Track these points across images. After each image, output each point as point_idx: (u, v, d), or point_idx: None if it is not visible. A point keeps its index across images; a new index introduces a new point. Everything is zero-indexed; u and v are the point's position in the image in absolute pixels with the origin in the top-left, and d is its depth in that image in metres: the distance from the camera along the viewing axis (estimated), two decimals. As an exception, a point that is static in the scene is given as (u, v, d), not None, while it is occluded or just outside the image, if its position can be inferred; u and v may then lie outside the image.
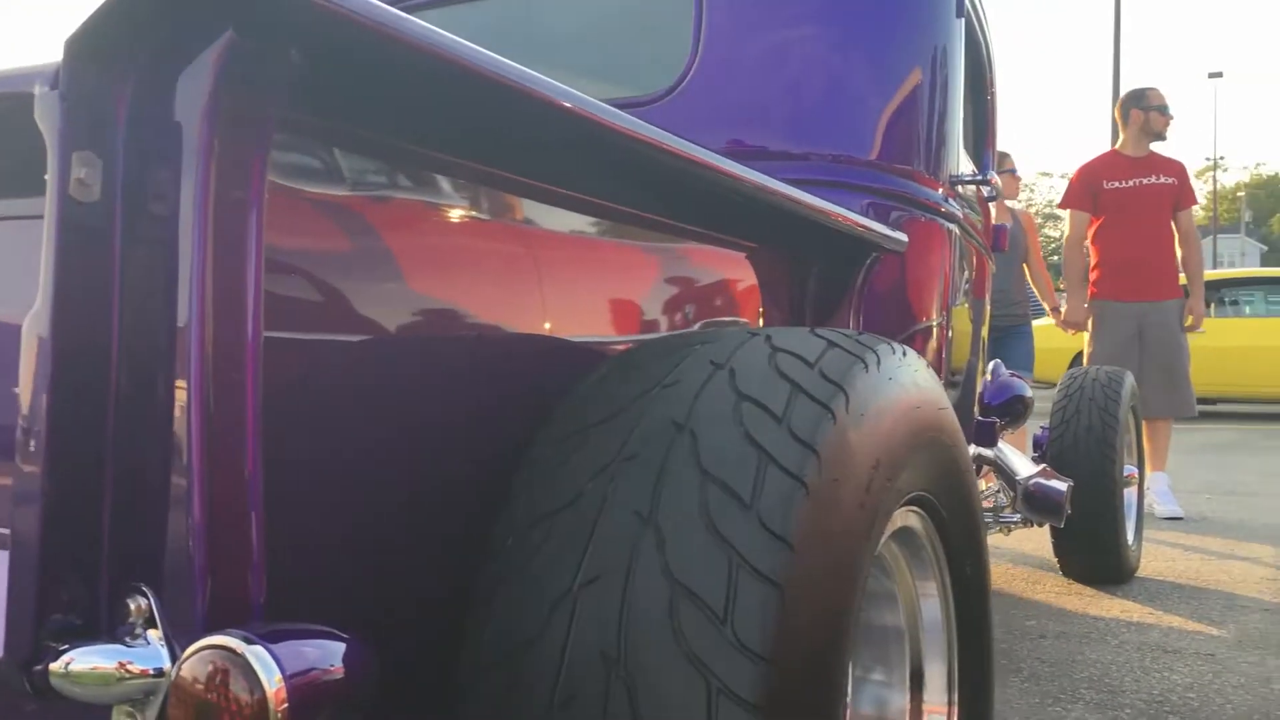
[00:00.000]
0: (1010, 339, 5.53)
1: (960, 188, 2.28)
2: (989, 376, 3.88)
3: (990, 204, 2.86)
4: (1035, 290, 5.96)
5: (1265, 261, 57.70)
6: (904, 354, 1.23)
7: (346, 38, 0.78)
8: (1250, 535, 4.63)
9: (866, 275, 1.86)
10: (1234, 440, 8.69)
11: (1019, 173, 5.78)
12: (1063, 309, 5.44)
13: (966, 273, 2.46)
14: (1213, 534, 4.68)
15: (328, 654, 0.74)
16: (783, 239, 1.74)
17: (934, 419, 1.24)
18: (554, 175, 1.19)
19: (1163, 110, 5.20)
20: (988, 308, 2.89)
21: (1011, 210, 5.78)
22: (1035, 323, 6.01)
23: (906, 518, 1.27)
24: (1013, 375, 4.02)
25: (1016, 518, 3.13)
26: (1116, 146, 5.35)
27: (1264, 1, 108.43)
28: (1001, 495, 3.22)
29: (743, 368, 1.09)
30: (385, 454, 0.96)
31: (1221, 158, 67.84)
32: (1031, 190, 65.11)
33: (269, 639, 0.70)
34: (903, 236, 1.88)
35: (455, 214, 1.08)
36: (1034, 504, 2.97)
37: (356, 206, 0.94)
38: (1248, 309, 11.70)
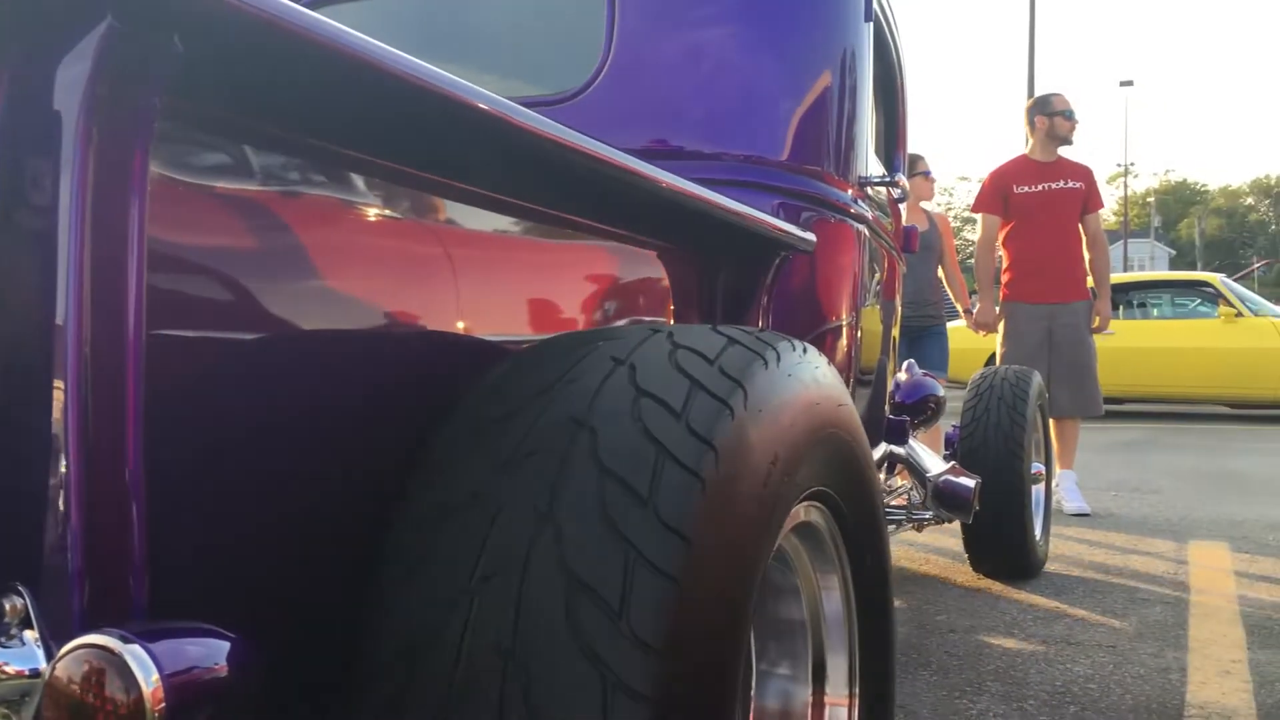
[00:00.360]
0: (925, 340, 5.67)
1: (869, 189, 2.32)
2: (902, 376, 3.95)
3: (900, 205, 2.91)
4: (950, 292, 6.08)
5: (1174, 265, 59.46)
6: (804, 351, 1.25)
7: (232, 26, 0.77)
8: (1154, 531, 4.77)
9: (776, 275, 1.88)
10: (1142, 439, 8.95)
11: (933, 175, 5.89)
12: (975, 311, 5.57)
13: (876, 274, 2.50)
14: (1118, 529, 4.81)
15: (211, 653, 0.73)
16: (692, 239, 1.75)
17: (833, 415, 1.26)
18: (452, 170, 1.19)
19: (1066, 115, 5.34)
20: (898, 308, 2.94)
21: (927, 213, 5.90)
22: (950, 324, 6.14)
23: (807, 512, 1.29)
24: (926, 375, 4.10)
25: (929, 514, 3.20)
26: (1026, 152, 5.47)
27: (1174, 13, 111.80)
28: (914, 493, 3.28)
29: (643, 364, 1.10)
30: (274, 452, 0.95)
31: (1132, 164, 69.76)
32: (951, 194, 66.31)
33: (148, 638, 0.69)
34: (812, 237, 1.90)
35: (347, 209, 1.07)
36: (943, 500, 3.03)
37: (243, 199, 0.92)
38: (1155, 311, 12.06)
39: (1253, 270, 31.55)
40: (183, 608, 0.80)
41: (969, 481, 3.02)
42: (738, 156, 2.11)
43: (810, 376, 1.22)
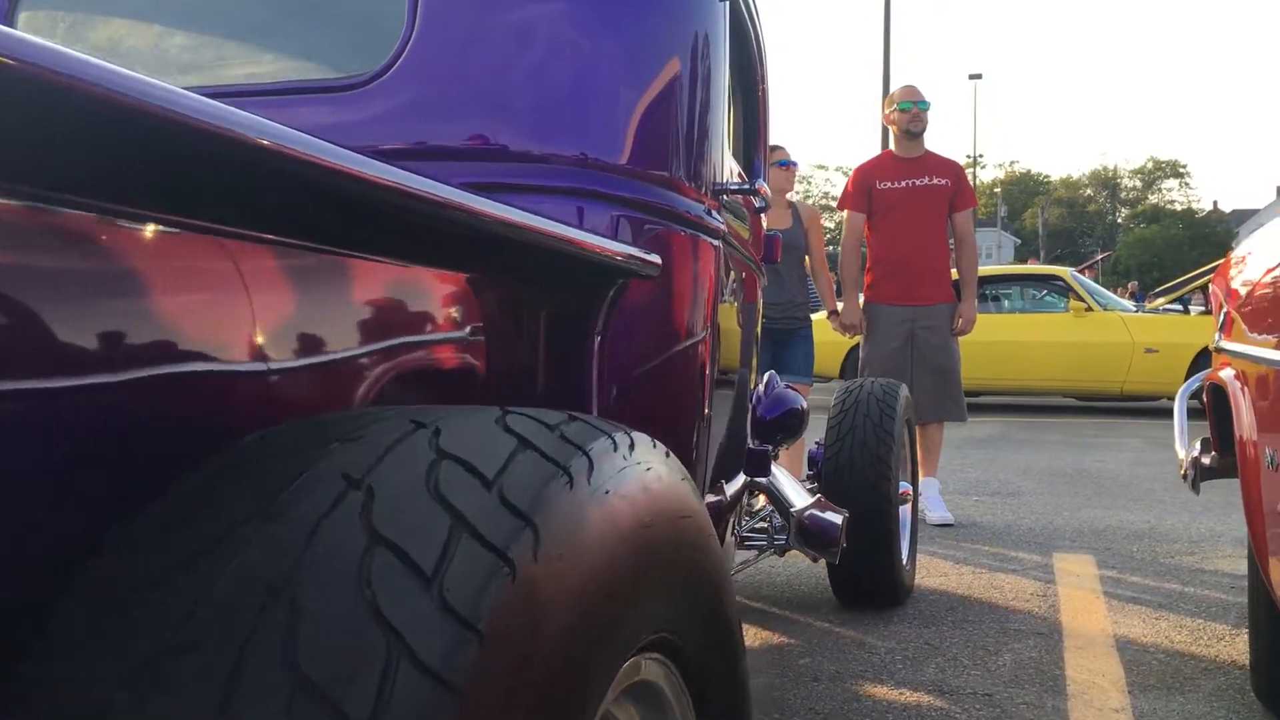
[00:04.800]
0: (791, 343, 5.33)
1: (726, 198, 1.99)
2: (762, 389, 3.66)
3: (761, 215, 2.59)
4: (816, 290, 5.82)
5: (1018, 254, 61.65)
6: (630, 448, 0.90)
7: None
8: (1017, 541, 4.62)
9: (612, 304, 1.53)
10: (996, 434, 8.96)
11: (794, 164, 5.59)
12: (840, 311, 5.34)
13: (735, 294, 2.18)
14: (982, 540, 4.65)
15: None
16: (503, 265, 1.39)
17: (673, 535, 0.92)
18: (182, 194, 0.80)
19: (901, 108, 5.14)
20: (758, 329, 2.63)
21: (792, 204, 5.60)
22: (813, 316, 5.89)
23: (641, 669, 0.94)
24: (788, 387, 3.82)
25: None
26: (891, 147, 5.26)
27: (1021, 9, 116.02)
28: (776, 515, 2.99)
29: (385, 491, 0.73)
30: None
31: (981, 155, 72.11)
32: (809, 183, 67.39)
33: None
34: (656, 259, 1.56)
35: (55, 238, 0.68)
36: (808, 538, 2.74)
37: None
38: (1007, 304, 12.20)
39: (1096, 262, 32.79)
40: None
41: (836, 517, 2.74)
42: (570, 159, 1.75)
43: (638, 487, 0.87)
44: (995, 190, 73.55)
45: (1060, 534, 4.79)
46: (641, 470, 0.88)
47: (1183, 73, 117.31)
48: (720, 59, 1.94)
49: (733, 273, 2.11)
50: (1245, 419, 2.33)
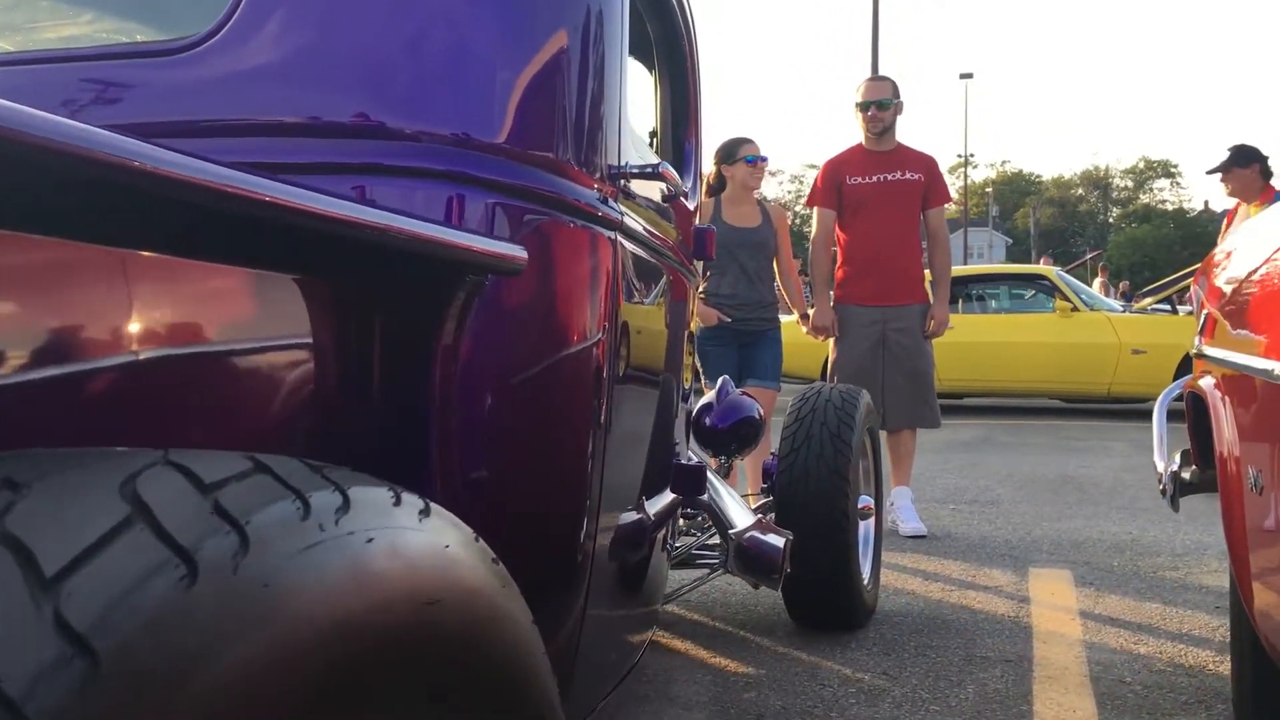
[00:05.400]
0: (758, 346, 5.05)
1: (631, 183, 1.74)
2: (714, 396, 3.43)
3: (688, 204, 2.33)
4: (784, 294, 5.56)
5: (1010, 253, 61.56)
6: (339, 512, 0.64)
7: None
8: (990, 556, 4.38)
9: (465, 305, 1.28)
10: (979, 437, 8.73)
11: (763, 160, 5.30)
12: (811, 314, 5.08)
13: (645, 294, 1.93)
14: (954, 555, 4.40)
15: None
16: (318, 262, 1.14)
17: (417, 626, 0.67)
18: None
19: (860, 108, 4.89)
20: (687, 334, 2.37)
21: (761, 204, 5.34)
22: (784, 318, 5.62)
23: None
24: (743, 394, 3.58)
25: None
26: (862, 141, 5.01)
27: (1012, 8, 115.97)
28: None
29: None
30: None
31: (972, 155, 71.92)
32: (800, 182, 67.18)
33: None
34: (519, 252, 1.31)
35: None
36: (747, 563, 2.49)
37: None
38: (993, 304, 11.97)
39: (1084, 261, 32.63)
40: None
41: (778, 540, 2.49)
42: (441, 138, 1.50)
43: (344, 566, 0.62)
44: (987, 190, 73.48)
45: (1038, 546, 4.55)
46: (352, 542, 0.63)
47: (1174, 72, 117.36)
48: (618, 31, 1.69)
49: (643, 268, 1.85)
50: (1226, 433, 2.08)
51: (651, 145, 2.34)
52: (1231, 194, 6.06)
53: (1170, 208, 71.18)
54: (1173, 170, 72.76)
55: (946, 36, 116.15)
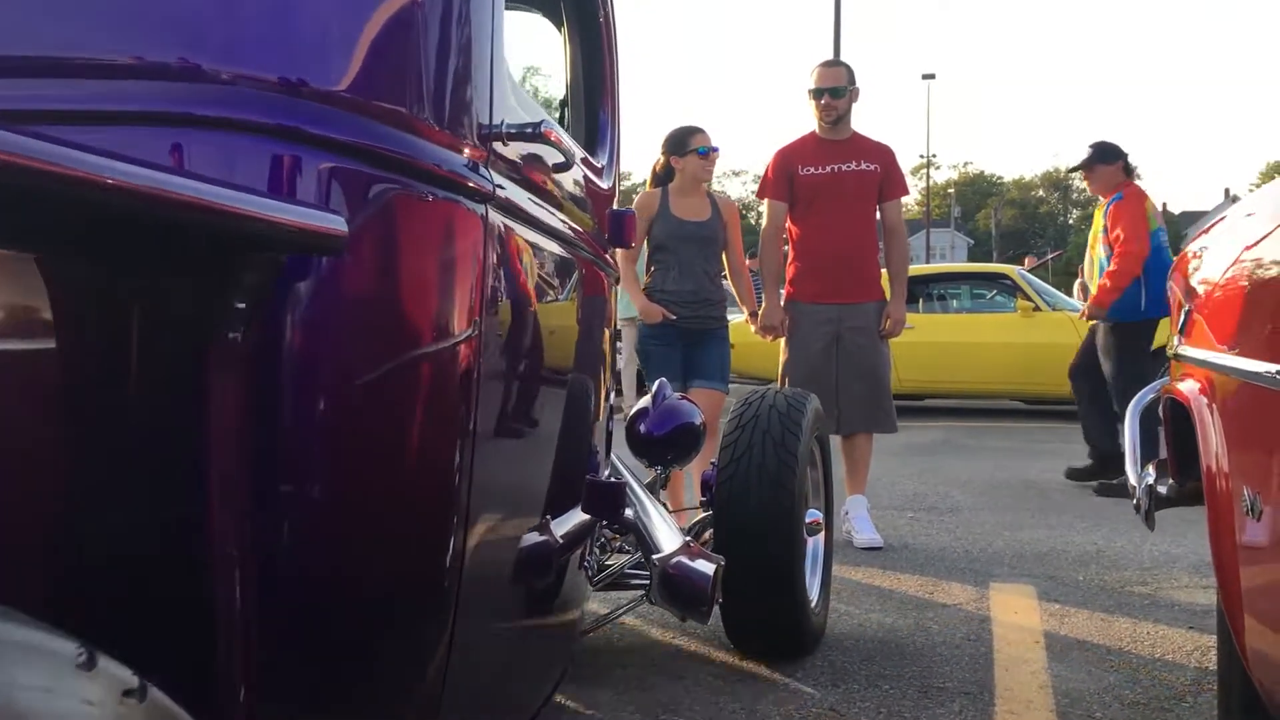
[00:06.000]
0: (704, 344, 4.74)
1: (511, 149, 1.44)
2: (649, 401, 3.14)
3: (601, 182, 2.02)
4: (734, 291, 5.27)
5: (972, 254, 61.76)
6: None
7: None
8: (950, 570, 4.11)
9: (255, 292, 0.98)
10: (940, 440, 8.50)
11: (714, 152, 5.01)
12: (760, 312, 4.80)
13: (539, 285, 1.62)
14: (912, 568, 4.13)
15: None
16: (77, 239, 0.84)
17: None
18: None
19: (816, 94, 4.61)
20: (606, 334, 2.08)
21: (710, 197, 5.05)
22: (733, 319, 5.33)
23: None
24: (683, 398, 3.30)
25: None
26: (815, 129, 4.73)
27: (974, 10, 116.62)
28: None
29: None
30: None
31: (934, 156, 72.15)
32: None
33: None
34: (336, 225, 1.01)
35: None
36: (672, 593, 2.19)
37: None
38: (954, 304, 11.77)
39: (1046, 262, 32.67)
40: None
41: (707, 568, 2.19)
42: (264, 83, 1.20)
43: None
44: (949, 191, 73.80)
45: (999, 559, 4.30)
46: None
47: (1134, 76, 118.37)
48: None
49: (531, 253, 1.55)
50: (1214, 447, 1.81)
51: (563, 120, 2.05)
52: (1095, 191, 6.09)
53: (1130, 209, 71.70)
54: (1131, 171, 73.34)
55: (909, 37, 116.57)
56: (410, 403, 1.25)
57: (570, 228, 1.73)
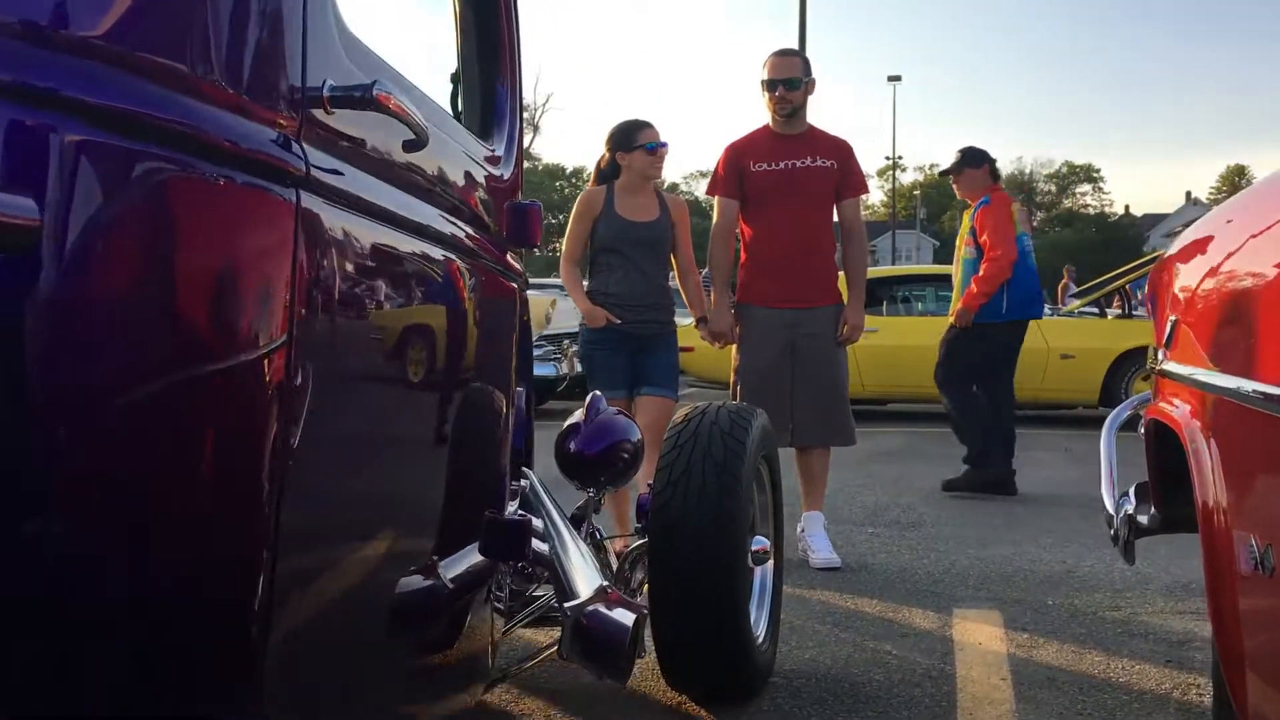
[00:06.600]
0: (652, 350, 4.43)
1: (336, 119, 1.14)
2: (582, 415, 2.86)
3: (498, 170, 1.72)
4: (683, 294, 4.97)
5: (938, 256, 61.83)
6: None
7: None
8: (912, 591, 3.85)
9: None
10: (903, 446, 8.26)
11: (663, 149, 4.71)
12: (708, 318, 4.51)
13: (391, 290, 1.32)
14: (871, 591, 3.86)
15: None
16: None
17: None
18: None
19: (769, 85, 4.33)
20: (506, 347, 1.78)
21: (659, 195, 4.75)
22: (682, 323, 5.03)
23: None
24: (618, 413, 3.01)
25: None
26: (769, 123, 4.45)
27: (939, 13, 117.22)
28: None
29: None
30: None
31: (900, 157, 72.33)
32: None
33: None
34: (25, 213, 0.72)
35: None
36: (585, 646, 1.90)
37: None
38: (919, 306, 11.55)
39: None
40: None
41: (626, 618, 1.90)
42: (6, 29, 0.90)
43: None
44: (915, 193, 73.95)
45: (964, 580, 4.04)
46: None
47: (1097, 80, 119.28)
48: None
49: (375, 250, 1.25)
50: (1212, 485, 1.54)
51: (456, 98, 1.75)
52: (963, 195, 6.17)
53: (1093, 211, 72.22)
54: (1095, 175, 73.84)
55: (875, 39, 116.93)
56: (208, 405, 0.95)
57: (444, 219, 1.43)
